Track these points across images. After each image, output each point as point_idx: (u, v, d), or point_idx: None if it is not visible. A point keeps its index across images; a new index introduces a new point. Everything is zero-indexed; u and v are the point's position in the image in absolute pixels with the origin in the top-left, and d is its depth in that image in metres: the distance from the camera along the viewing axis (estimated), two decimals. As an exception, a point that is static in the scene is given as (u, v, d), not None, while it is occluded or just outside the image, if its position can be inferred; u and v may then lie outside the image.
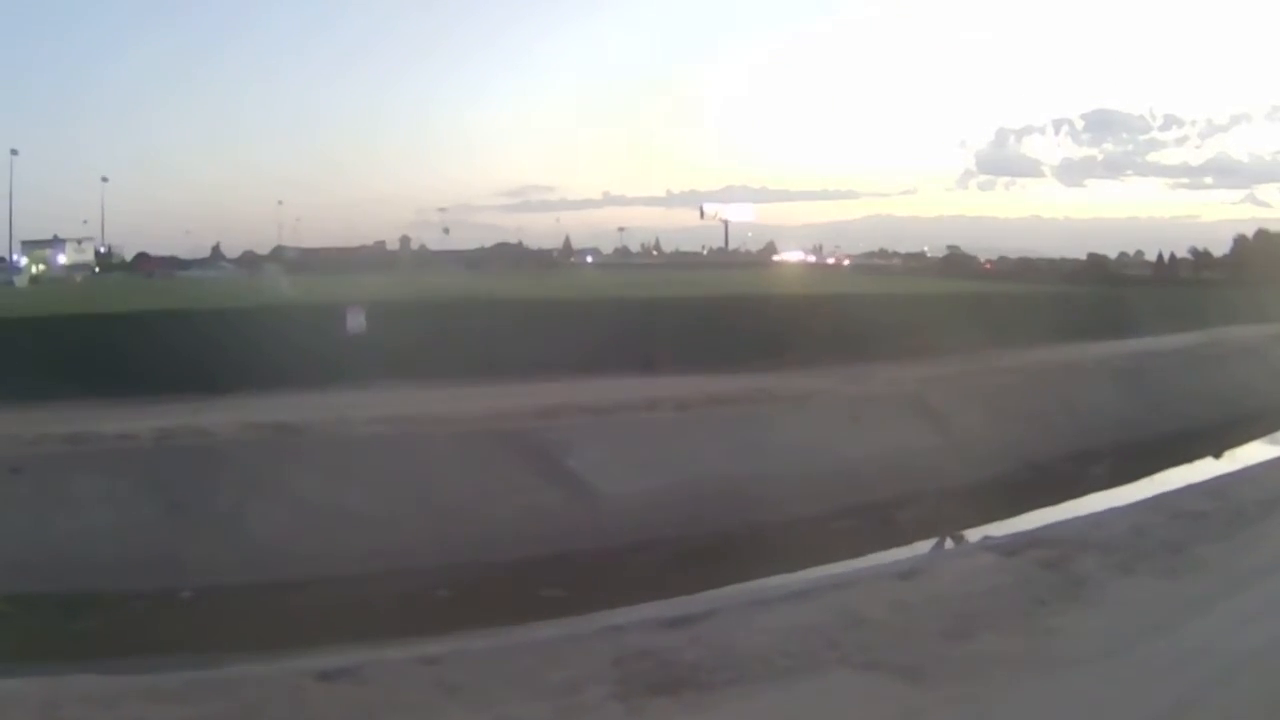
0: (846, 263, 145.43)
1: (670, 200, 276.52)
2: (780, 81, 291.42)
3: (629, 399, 22.79)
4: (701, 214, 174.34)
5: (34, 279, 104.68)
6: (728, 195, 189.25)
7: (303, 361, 24.40)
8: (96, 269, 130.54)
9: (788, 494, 19.85)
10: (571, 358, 26.37)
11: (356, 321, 26.25)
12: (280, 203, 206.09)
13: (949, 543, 17.74)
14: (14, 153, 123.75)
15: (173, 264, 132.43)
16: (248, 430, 19.49)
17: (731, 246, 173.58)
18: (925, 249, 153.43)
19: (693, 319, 30.35)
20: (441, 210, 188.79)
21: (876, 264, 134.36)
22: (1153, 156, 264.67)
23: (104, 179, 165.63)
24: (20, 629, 14.35)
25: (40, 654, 13.63)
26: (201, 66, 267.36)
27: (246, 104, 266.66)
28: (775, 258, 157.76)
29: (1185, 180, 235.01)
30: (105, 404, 21.26)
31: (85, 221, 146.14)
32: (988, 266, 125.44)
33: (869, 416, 23.81)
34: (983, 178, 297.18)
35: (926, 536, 18.85)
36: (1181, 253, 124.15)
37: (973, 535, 18.02)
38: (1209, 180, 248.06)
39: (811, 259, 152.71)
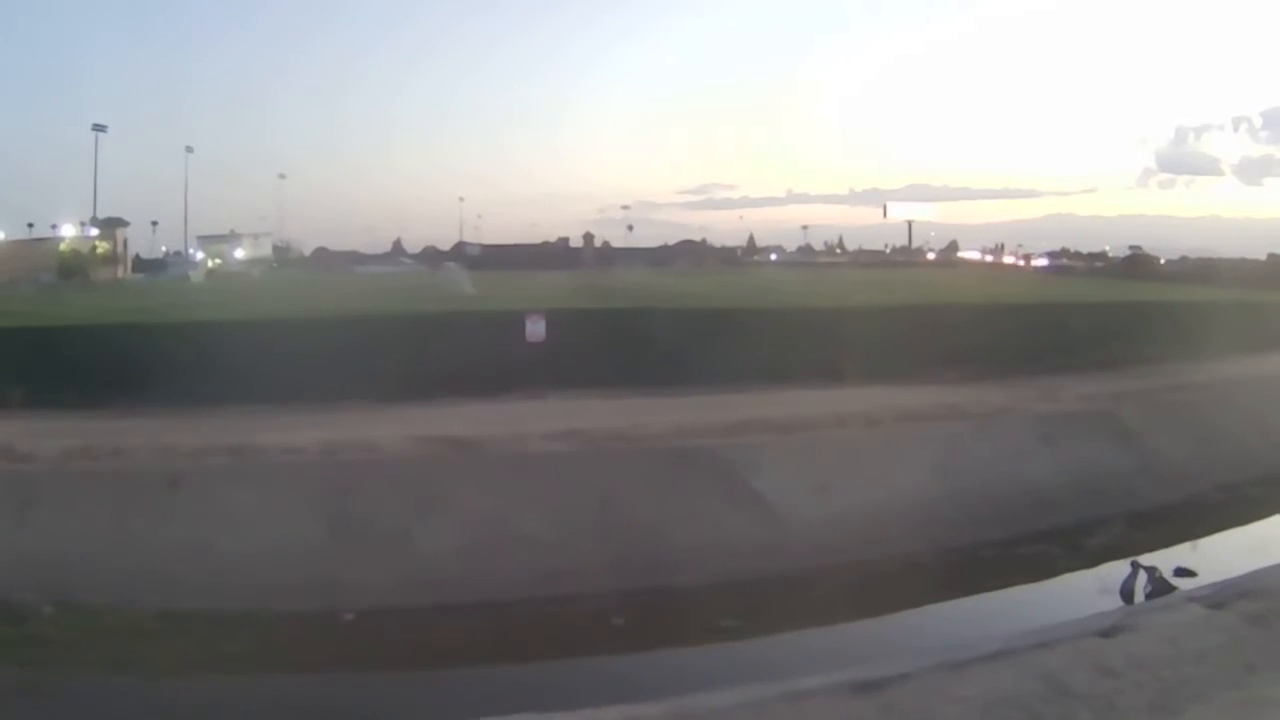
0: (1023, 262, 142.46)
1: (853, 198, 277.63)
2: (961, 77, 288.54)
3: (816, 415, 22.38)
4: (885, 212, 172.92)
5: (209, 273, 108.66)
6: (910, 194, 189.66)
7: (478, 369, 24.73)
8: (274, 264, 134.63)
9: (975, 516, 19.41)
10: (754, 366, 26.32)
11: (536, 330, 26.39)
12: (462, 199, 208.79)
13: (1141, 575, 16.97)
14: (189, 150, 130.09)
15: (352, 259, 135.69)
16: (417, 445, 19.48)
17: (914, 245, 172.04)
18: (1107, 248, 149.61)
19: (877, 327, 29.66)
20: (624, 207, 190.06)
21: (1062, 264, 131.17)
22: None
23: (281, 176, 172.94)
24: (167, 649, 14.10)
25: (182, 676, 13.62)
26: (381, 62, 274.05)
27: (427, 100, 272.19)
28: (956, 256, 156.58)
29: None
30: (269, 412, 21.61)
31: (263, 218, 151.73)
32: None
33: (1058, 435, 23.08)
34: (1163, 176, 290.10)
35: (1116, 562, 18.02)
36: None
37: (1163, 561, 17.41)
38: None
39: (1007, 259, 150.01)
